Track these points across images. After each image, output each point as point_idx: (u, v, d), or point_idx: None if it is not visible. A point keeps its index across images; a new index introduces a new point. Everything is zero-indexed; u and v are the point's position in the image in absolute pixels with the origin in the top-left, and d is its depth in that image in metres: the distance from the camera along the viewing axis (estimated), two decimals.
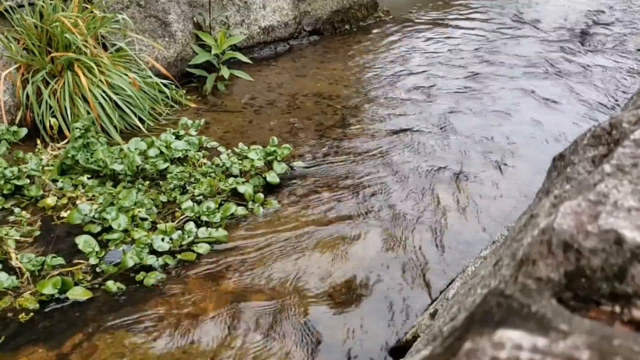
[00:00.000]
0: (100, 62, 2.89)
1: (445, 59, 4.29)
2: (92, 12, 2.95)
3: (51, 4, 2.84)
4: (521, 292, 0.57)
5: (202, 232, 2.18)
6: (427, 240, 2.25)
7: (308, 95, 3.57)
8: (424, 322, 1.70)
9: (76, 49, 2.84)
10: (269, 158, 2.60)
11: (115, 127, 2.80)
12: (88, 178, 2.44)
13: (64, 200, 2.33)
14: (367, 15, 5.18)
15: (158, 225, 2.20)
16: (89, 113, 2.75)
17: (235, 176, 2.54)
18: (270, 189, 2.53)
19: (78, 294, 1.88)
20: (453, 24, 5.19)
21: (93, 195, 2.33)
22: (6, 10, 2.82)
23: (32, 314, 1.80)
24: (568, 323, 0.49)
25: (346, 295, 1.94)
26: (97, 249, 2.04)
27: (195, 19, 3.78)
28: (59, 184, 2.39)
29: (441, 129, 3.17)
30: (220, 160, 2.61)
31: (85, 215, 2.18)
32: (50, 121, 2.72)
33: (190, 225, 2.19)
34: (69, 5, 2.94)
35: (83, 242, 2.05)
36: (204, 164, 2.62)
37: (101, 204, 2.23)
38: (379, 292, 1.97)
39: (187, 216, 2.28)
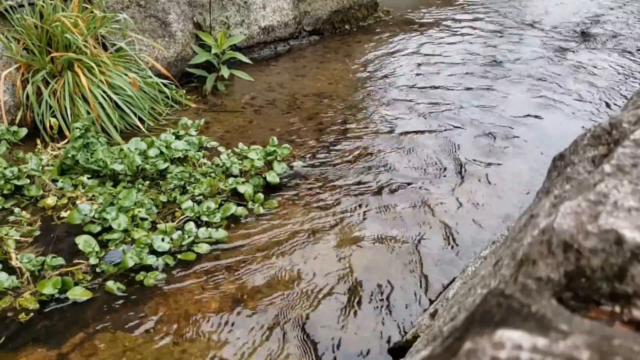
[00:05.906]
0: (101, 62, 2.89)
1: (446, 58, 4.29)
2: (92, 12, 2.95)
3: (51, 4, 2.84)
4: (521, 292, 0.57)
5: (202, 232, 2.18)
6: (427, 239, 2.25)
7: (308, 95, 3.57)
8: (424, 322, 1.70)
9: (76, 49, 2.84)
10: (269, 158, 2.60)
11: (115, 127, 2.80)
12: (88, 178, 2.44)
13: (64, 200, 2.33)
14: (367, 15, 5.18)
15: (158, 225, 2.20)
16: (89, 113, 2.75)
17: (235, 176, 2.54)
18: (270, 189, 2.53)
19: (78, 294, 1.87)
20: (453, 24, 5.20)
21: (93, 195, 2.33)
22: (6, 10, 2.82)
23: (32, 314, 1.80)
24: (568, 323, 0.49)
25: (346, 295, 1.94)
26: (97, 249, 2.04)
27: (195, 19, 3.78)
28: (59, 184, 2.39)
29: (440, 128, 3.17)
30: (220, 160, 2.61)
31: (85, 215, 2.18)
32: (50, 121, 2.72)
33: (190, 226, 2.19)
34: (69, 5, 2.94)
35: (83, 242, 2.05)
36: (204, 164, 2.62)
37: (101, 204, 2.23)
38: (379, 291, 1.97)
39: (187, 216, 2.28)
